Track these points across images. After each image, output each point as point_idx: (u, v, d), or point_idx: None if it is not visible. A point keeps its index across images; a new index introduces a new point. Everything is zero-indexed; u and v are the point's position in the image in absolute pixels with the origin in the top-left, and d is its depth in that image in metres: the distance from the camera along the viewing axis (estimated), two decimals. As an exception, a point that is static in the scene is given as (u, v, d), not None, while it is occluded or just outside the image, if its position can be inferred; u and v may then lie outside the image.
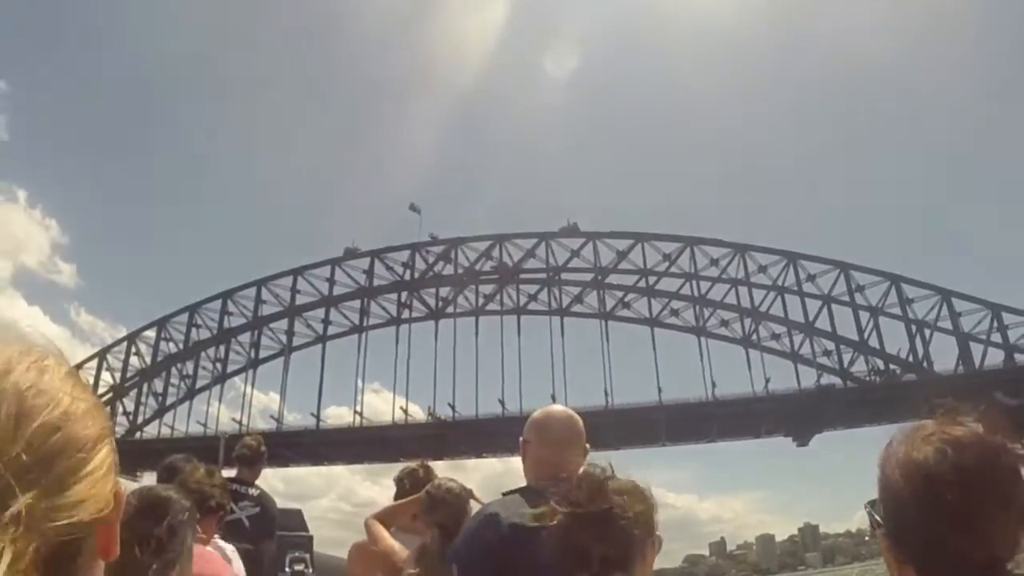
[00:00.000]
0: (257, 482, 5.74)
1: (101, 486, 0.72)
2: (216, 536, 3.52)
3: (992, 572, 0.98)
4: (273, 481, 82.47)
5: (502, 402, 54.71)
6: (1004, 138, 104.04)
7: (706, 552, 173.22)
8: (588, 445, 2.60)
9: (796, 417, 55.17)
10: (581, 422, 2.66)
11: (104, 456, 0.75)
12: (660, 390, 53.77)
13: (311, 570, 6.53)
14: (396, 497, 4.31)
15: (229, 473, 5.36)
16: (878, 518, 1.19)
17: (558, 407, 2.79)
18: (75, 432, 0.71)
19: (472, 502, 3.42)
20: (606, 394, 54.45)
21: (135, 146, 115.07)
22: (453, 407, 56.60)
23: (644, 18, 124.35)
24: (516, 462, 2.76)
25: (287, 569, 6.30)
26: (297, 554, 6.51)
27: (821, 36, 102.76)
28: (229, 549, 3.60)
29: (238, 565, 3.55)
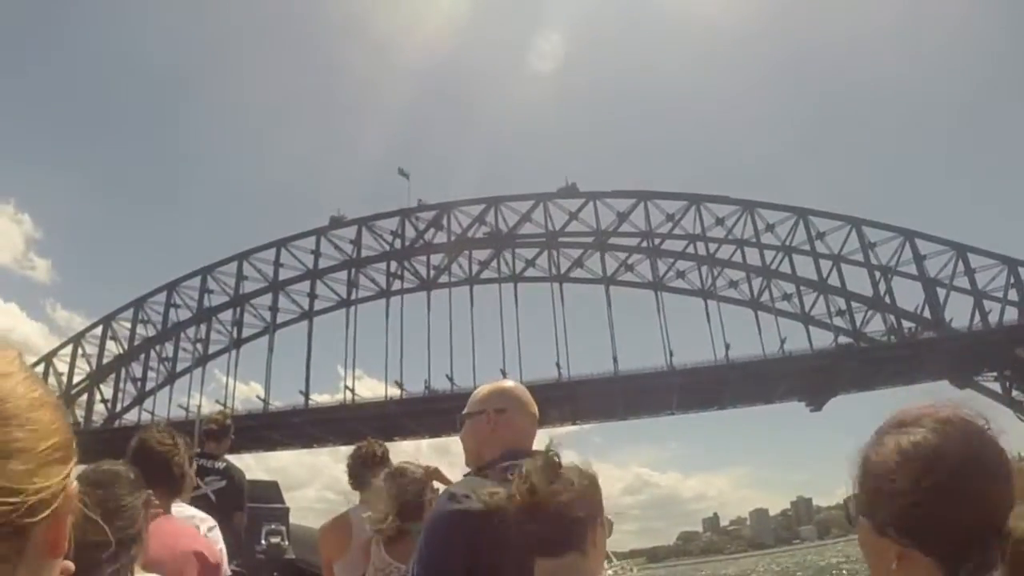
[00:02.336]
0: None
1: (43, 476, 0.69)
2: (183, 506, 3.39)
3: (996, 537, 1.07)
4: (257, 472, 79.83)
5: (503, 372, 51.68)
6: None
7: (700, 528, 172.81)
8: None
9: (812, 380, 52.66)
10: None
11: (52, 446, 0.72)
12: (671, 353, 50.97)
13: (287, 542, 6.40)
14: (353, 481, 4.31)
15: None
16: (860, 513, 1.21)
17: (513, 382, 2.65)
18: (17, 420, 0.69)
19: (436, 483, 3.43)
20: (614, 361, 51.58)
21: (106, 136, 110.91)
22: (451, 379, 53.53)
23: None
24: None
25: (263, 541, 6.22)
26: (273, 526, 6.40)
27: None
28: (200, 519, 3.43)
29: (215, 537, 3.35)
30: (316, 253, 58.63)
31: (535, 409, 2.52)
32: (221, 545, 3.27)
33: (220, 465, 5.43)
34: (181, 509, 3.32)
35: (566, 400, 51.45)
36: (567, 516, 1.75)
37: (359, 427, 58.12)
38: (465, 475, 2.43)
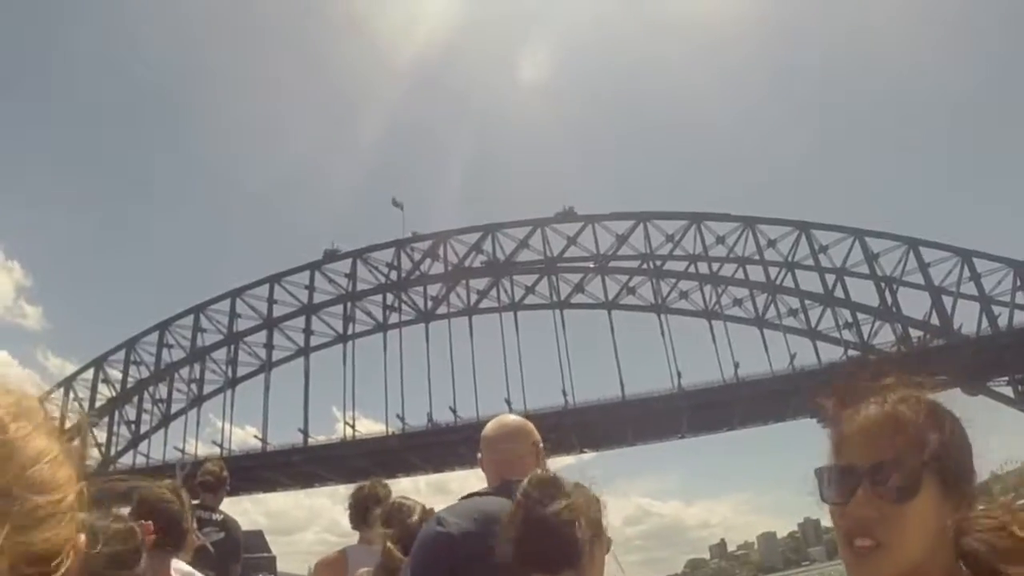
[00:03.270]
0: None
1: (55, 531, 0.69)
2: (181, 564, 3.34)
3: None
4: (255, 516, 78.94)
5: (508, 402, 50.52)
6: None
7: (707, 555, 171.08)
8: (542, 447, 2.63)
9: (823, 395, 51.51)
10: (532, 428, 2.70)
11: (65, 501, 0.71)
12: (679, 375, 49.90)
13: None
14: (353, 519, 4.32)
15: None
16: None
17: (510, 416, 2.82)
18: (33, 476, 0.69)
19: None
20: (621, 385, 50.43)
21: (91, 175, 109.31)
22: (455, 411, 52.23)
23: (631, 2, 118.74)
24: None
25: None
26: (261, 575, 6.69)
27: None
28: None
29: None
30: (311, 288, 57.36)
31: (513, 443, 2.59)
32: None
33: (218, 517, 5.45)
34: (180, 567, 3.29)
35: (574, 428, 50.28)
36: (565, 532, 1.73)
37: (360, 464, 56.76)
38: (461, 499, 2.50)
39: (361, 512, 4.29)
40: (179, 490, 3.36)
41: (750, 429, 57.41)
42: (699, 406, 49.61)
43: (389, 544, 3.12)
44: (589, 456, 64.13)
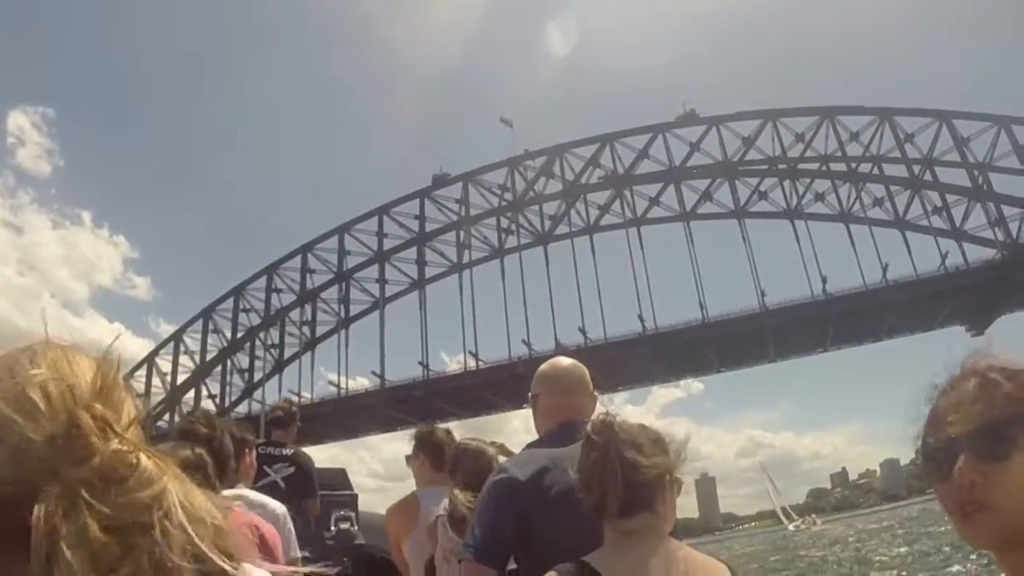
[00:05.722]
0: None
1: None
2: (252, 492, 3.43)
3: None
4: (373, 464, 79.79)
5: (642, 319, 48.26)
6: None
7: (828, 485, 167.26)
8: (596, 392, 2.59)
9: (975, 298, 47.84)
10: (586, 371, 2.64)
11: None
12: (824, 279, 46.74)
13: (356, 527, 6.33)
14: (416, 461, 4.13)
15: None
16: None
17: (564, 358, 2.74)
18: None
19: (502, 457, 3.38)
20: (760, 295, 47.61)
21: (183, 145, 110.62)
22: (584, 331, 50.12)
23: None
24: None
25: (332, 528, 6.17)
26: (342, 512, 6.37)
27: None
28: (273, 506, 3.33)
29: (283, 526, 3.26)
30: (421, 218, 55.56)
31: (573, 383, 2.55)
32: (290, 527, 3.33)
33: (287, 452, 5.42)
34: (250, 496, 3.32)
35: (713, 343, 47.79)
36: (637, 475, 1.74)
37: (482, 396, 55.57)
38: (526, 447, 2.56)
39: (433, 456, 4.07)
40: (213, 419, 3.24)
41: (848, 351, 54.06)
42: (847, 313, 46.45)
43: (456, 491, 3.18)
44: (698, 389, 61.77)
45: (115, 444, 0.66)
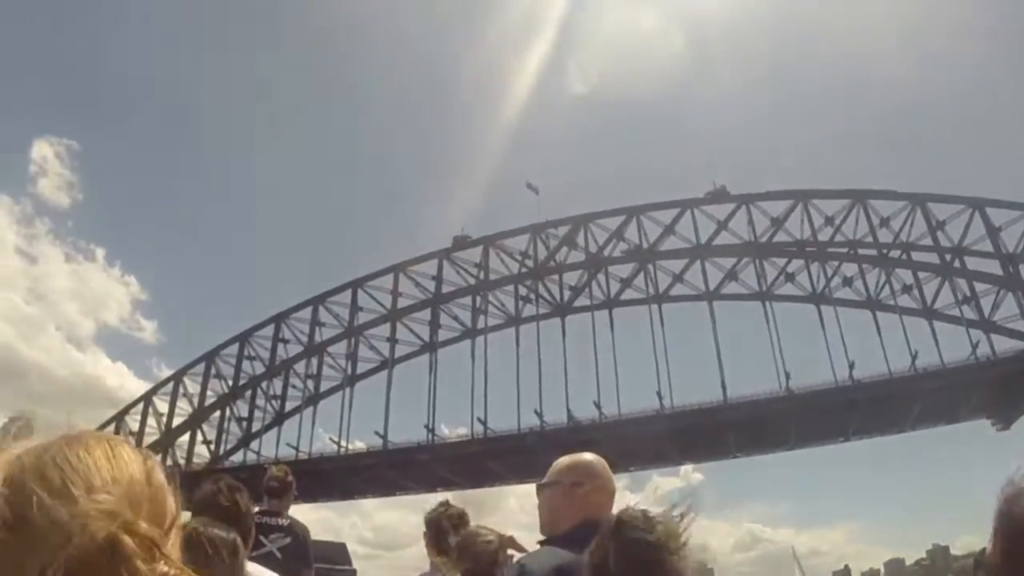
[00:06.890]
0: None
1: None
2: (251, 565, 3.31)
3: None
4: (362, 531, 78.41)
5: (660, 395, 46.68)
6: None
7: None
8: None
9: (1003, 390, 46.38)
10: None
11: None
12: (852, 364, 45.28)
13: None
14: (431, 540, 4.27)
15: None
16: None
17: (590, 454, 2.72)
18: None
19: (511, 551, 3.41)
20: (785, 378, 46.13)
21: (201, 191, 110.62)
22: (599, 406, 48.49)
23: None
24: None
25: None
26: None
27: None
28: None
29: None
30: (438, 279, 54.32)
31: (613, 485, 2.61)
32: None
33: (284, 522, 5.39)
34: (248, 568, 3.18)
35: (731, 428, 46.25)
36: (676, 567, 1.77)
37: (492, 466, 53.66)
38: (539, 543, 2.53)
39: (438, 538, 4.21)
40: (235, 490, 3.35)
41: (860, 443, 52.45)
42: (874, 401, 44.95)
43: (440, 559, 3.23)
44: (697, 479, 60.33)
45: (161, 567, 0.63)
